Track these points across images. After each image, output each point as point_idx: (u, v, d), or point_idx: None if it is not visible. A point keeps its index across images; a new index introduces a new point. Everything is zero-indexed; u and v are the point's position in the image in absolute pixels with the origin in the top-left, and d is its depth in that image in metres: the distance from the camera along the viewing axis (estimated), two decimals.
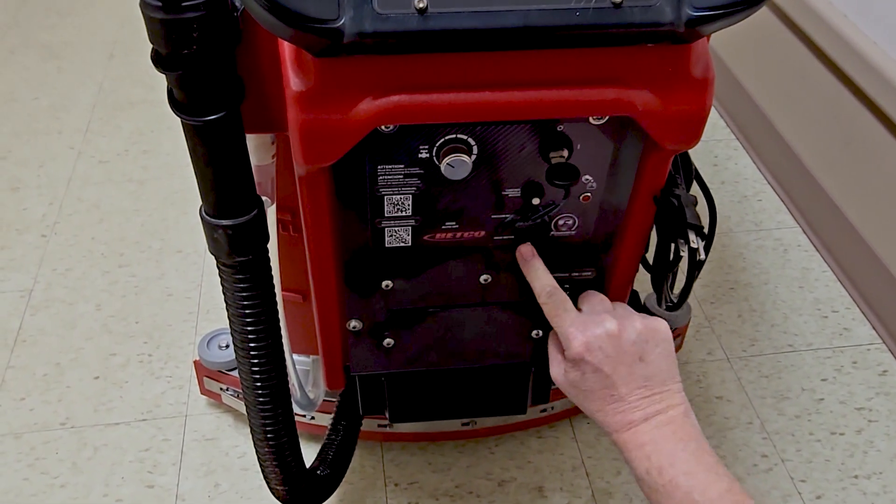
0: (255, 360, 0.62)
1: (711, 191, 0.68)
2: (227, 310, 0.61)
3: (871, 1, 1.17)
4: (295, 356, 0.89)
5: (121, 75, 1.69)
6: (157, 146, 1.50)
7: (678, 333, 1.12)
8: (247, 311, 0.59)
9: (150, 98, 1.62)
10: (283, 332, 0.67)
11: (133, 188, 1.41)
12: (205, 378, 1.04)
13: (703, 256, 0.56)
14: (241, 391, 1.00)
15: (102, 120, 1.57)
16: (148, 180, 1.43)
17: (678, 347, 1.14)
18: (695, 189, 0.66)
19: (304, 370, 0.95)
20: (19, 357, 1.13)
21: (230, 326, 0.62)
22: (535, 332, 0.69)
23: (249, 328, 0.60)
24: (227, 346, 1.02)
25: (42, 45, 1.79)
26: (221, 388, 1.03)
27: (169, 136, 1.52)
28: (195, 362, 1.03)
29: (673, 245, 0.61)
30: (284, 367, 0.65)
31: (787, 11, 1.34)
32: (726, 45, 1.58)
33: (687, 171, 0.61)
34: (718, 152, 1.53)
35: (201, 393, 1.06)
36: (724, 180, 1.47)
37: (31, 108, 1.60)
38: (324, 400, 0.93)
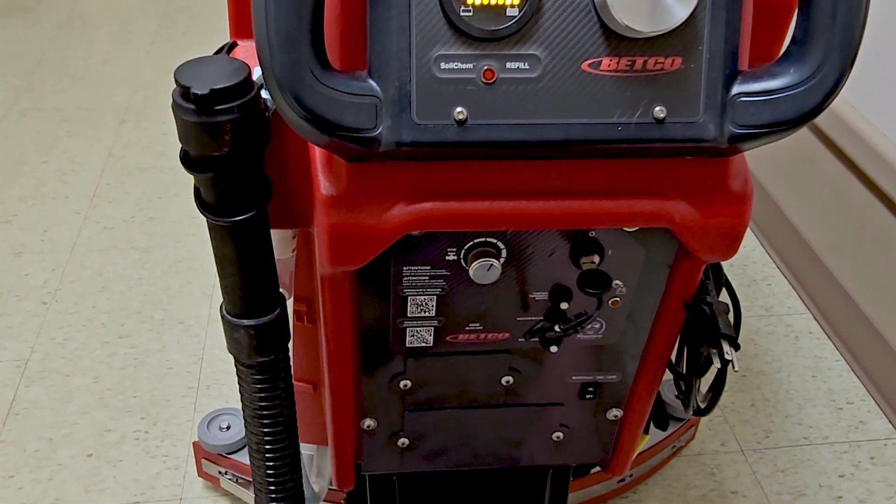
0: (270, 463, 0.59)
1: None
2: (244, 410, 0.58)
3: (880, 93, 1.18)
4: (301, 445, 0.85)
5: (131, 141, 1.70)
6: (165, 213, 1.49)
7: (691, 423, 1.09)
8: (265, 413, 0.56)
9: (160, 164, 1.62)
10: None
11: (138, 256, 1.40)
12: (203, 460, 1.00)
13: (737, 368, 0.54)
14: (240, 476, 0.97)
15: (110, 185, 1.56)
16: (153, 248, 1.42)
17: (691, 438, 1.11)
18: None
19: (308, 455, 0.91)
20: (11, 431, 1.09)
21: (245, 426, 0.59)
22: (555, 436, 0.66)
23: (266, 429, 0.58)
24: (229, 428, 0.99)
25: (54, 108, 1.80)
26: (220, 472, 0.99)
27: (177, 204, 1.52)
28: (194, 444, 0.99)
29: (703, 352, 0.59)
30: (300, 468, 0.62)
31: None
32: None
33: (717, 277, 0.60)
34: None
35: (198, 475, 1.02)
36: (732, 263, 1.46)
37: (39, 172, 1.59)
38: (329, 489, 0.89)
